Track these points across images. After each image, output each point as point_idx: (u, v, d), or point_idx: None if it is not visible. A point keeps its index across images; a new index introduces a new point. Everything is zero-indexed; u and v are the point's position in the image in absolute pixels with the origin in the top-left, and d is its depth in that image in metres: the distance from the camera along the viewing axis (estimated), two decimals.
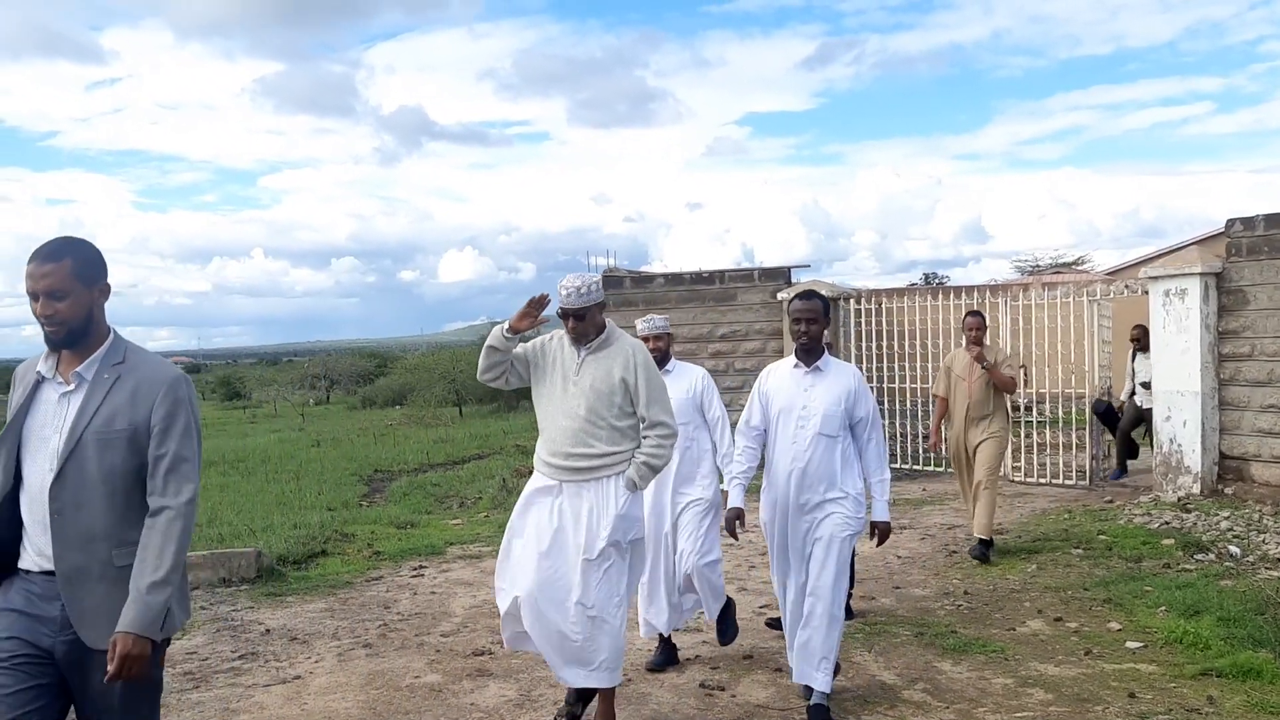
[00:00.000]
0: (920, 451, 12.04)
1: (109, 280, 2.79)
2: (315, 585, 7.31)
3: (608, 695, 4.30)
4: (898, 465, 11.37)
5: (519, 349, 4.37)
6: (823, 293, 6.42)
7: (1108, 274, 20.38)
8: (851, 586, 5.48)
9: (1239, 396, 9.25)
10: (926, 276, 48.54)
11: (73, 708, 2.77)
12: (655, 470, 4.26)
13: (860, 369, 9.02)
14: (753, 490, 4.82)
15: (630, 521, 4.21)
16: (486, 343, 4.30)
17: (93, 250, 2.77)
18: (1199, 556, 7.31)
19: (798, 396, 4.59)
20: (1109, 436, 11.19)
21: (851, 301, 12.40)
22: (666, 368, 5.22)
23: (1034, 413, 12.47)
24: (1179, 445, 9.41)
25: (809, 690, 4.54)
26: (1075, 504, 9.77)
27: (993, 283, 14.36)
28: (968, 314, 7.79)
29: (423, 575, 7.63)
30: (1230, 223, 9.48)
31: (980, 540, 7.48)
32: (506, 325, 4.27)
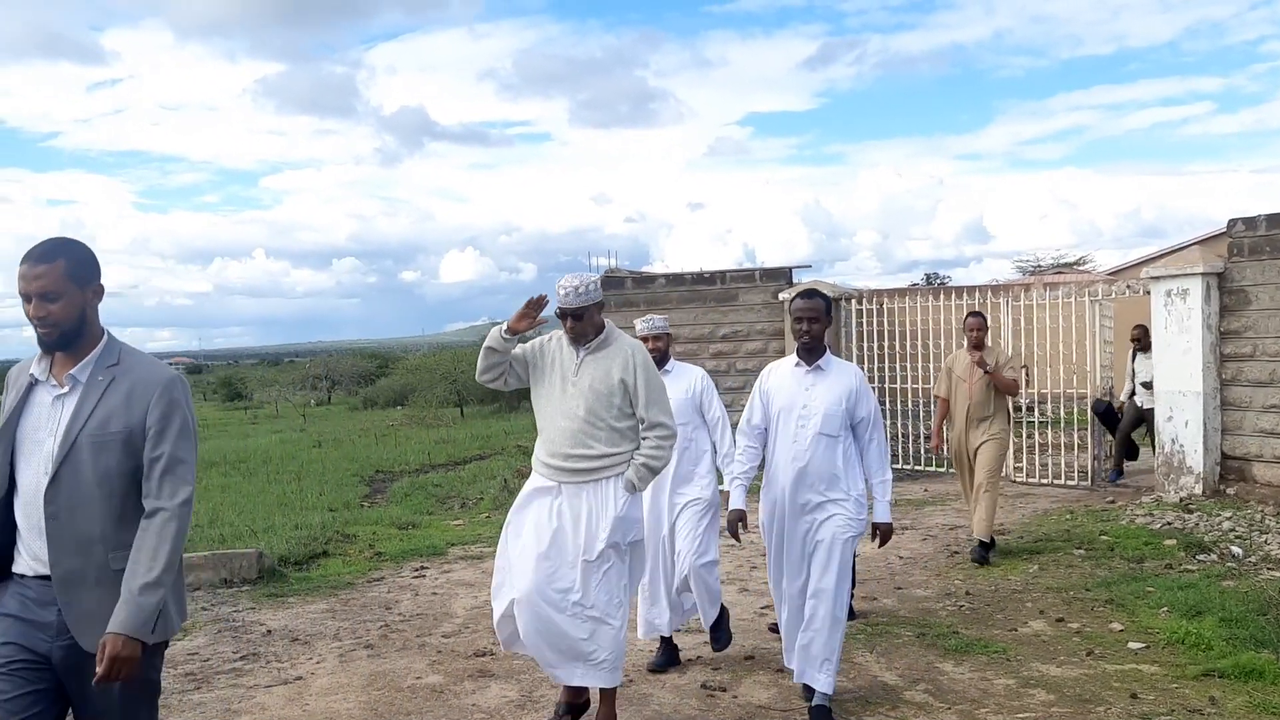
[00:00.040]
0: (922, 452, 12.02)
1: (102, 281, 2.76)
2: (317, 586, 7.30)
3: (609, 696, 4.29)
4: (899, 466, 11.35)
5: (518, 350, 4.35)
6: (824, 292, 6.40)
7: (1109, 274, 20.36)
8: (853, 587, 5.48)
9: (1241, 397, 9.23)
10: (928, 277, 48.59)
11: (70, 712, 2.76)
12: (654, 472, 4.25)
13: (861, 369, 9.01)
14: (754, 491, 4.80)
15: (629, 523, 4.20)
16: (485, 344, 4.28)
17: (85, 251, 2.75)
18: (1201, 557, 7.29)
19: (798, 395, 4.57)
20: (1110, 437, 11.18)
21: (853, 302, 12.38)
22: (666, 368, 5.21)
23: (1035, 413, 12.46)
24: (1181, 446, 9.39)
25: (810, 691, 4.53)
26: (1077, 504, 9.75)
27: (994, 283, 14.35)
28: (969, 314, 7.77)
29: (424, 576, 7.63)
30: (1232, 223, 9.46)
31: (980, 543, 7.46)
32: (505, 326, 4.25)
